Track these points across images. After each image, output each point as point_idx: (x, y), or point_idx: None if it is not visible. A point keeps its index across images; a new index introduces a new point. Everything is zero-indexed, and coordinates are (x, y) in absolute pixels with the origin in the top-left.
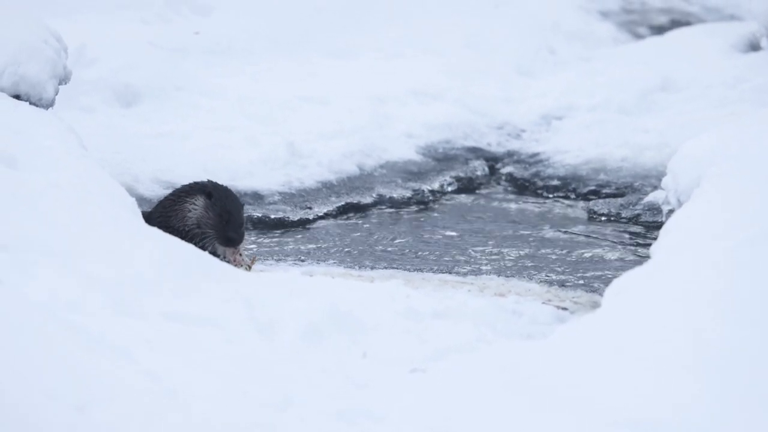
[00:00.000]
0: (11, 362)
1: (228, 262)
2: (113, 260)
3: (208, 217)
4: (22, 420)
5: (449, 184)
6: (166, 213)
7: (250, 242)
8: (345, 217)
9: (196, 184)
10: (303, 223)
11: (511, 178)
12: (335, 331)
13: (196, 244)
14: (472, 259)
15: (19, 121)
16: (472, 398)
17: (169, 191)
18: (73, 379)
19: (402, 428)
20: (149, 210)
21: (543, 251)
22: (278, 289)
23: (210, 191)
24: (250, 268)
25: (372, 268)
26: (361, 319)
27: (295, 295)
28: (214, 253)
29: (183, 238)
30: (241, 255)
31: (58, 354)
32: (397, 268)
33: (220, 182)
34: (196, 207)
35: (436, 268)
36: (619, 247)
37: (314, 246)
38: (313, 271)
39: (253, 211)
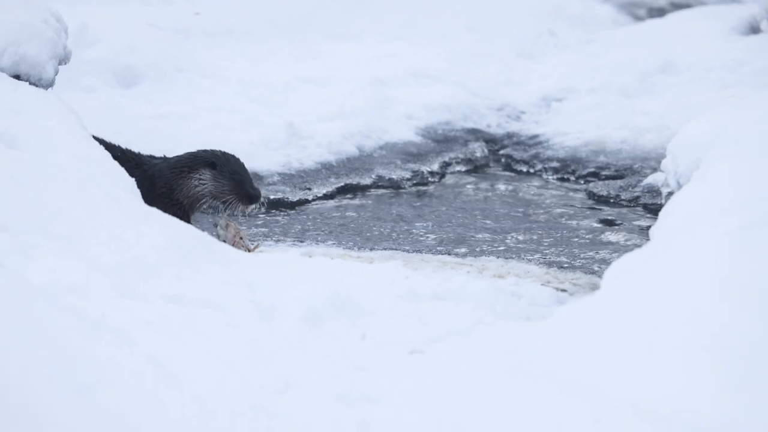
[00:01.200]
0: (11, 345)
1: (228, 243)
2: (114, 242)
3: (221, 185)
4: (22, 402)
5: (449, 166)
6: (170, 186)
7: (249, 222)
8: (344, 198)
9: (195, 156)
10: (302, 204)
11: (510, 160)
12: (335, 314)
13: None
14: (472, 241)
15: (19, 101)
16: (472, 380)
17: None
18: (73, 361)
19: (401, 411)
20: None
21: (542, 233)
22: (279, 272)
23: (212, 161)
24: (250, 251)
25: (371, 249)
26: (360, 302)
27: (296, 278)
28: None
29: (189, 210)
30: (242, 239)
31: (58, 337)
32: (396, 249)
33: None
34: (204, 180)
35: (435, 249)
36: (619, 229)
37: (313, 227)
38: (312, 251)
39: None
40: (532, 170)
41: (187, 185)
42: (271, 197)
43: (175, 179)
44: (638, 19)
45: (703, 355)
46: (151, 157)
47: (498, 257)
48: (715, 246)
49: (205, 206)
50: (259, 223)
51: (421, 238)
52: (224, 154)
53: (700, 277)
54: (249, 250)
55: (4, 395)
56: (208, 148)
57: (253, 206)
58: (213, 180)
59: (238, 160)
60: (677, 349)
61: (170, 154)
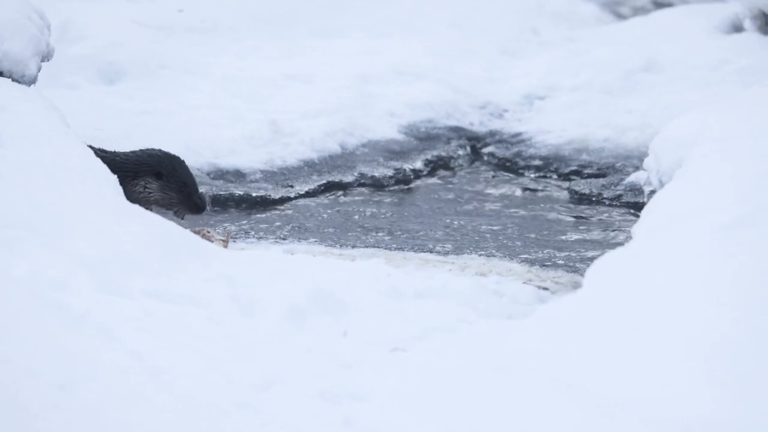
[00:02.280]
0: None
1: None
2: (97, 238)
3: (168, 197)
4: (4, 398)
5: (431, 164)
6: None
7: (232, 219)
8: (327, 195)
9: (140, 162)
10: (285, 201)
11: (493, 158)
12: (317, 311)
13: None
14: (454, 238)
15: (1, 98)
16: (455, 378)
17: None
18: (55, 357)
19: (385, 408)
20: None
21: (524, 231)
22: (261, 269)
23: (158, 170)
24: (226, 244)
25: (353, 246)
26: (343, 299)
27: (278, 275)
28: None
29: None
30: (209, 232)
31: (40, 332)
32: (379, 247)
33: (201, 160)
34: (151, 190)
35: (417, 247)
36: (601, 227)
37: (296, 224)
38: (294, 249)
39: (234, 189)
40: (514, 168)
41: (132, 190)
42: (254, 194)
43: (120, 180)
44: (621, 17)
45: (684, 352)
46: (102, 150)
47: (480, 255)
48: (697, 244)
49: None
50: (242, 220)
51: (403, 236)
52: (170, 159)
53: (681, 275)
54: (225, 243)
55: None
56: (154, 147)
57: (200, 229)
58: (160, 190)
59: (183, 165)
60: (659, 346)
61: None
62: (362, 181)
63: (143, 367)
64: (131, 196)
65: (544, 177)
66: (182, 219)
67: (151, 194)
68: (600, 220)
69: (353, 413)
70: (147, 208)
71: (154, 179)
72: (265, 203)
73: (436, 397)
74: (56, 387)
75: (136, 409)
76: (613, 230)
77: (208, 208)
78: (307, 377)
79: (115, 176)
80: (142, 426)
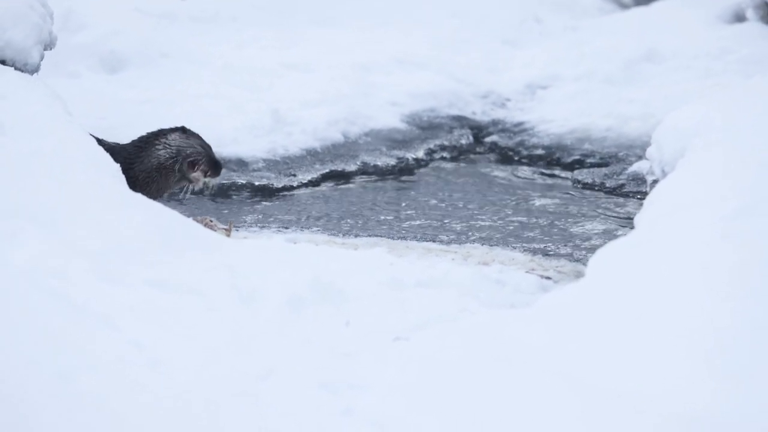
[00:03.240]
0: None
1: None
2: (98, 227)
3: (190, 144)
4: (4, 387)
5: (433, 153)
6: (129, 159)
7: (234, 208)
8: (329, 184)
9: (160, 129)
10: (287, 190)
11: (495, 147)
12: (318, 301)
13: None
14: (456, 228)
15: (4, 86)
16: (456, 368)
17: None
18: (56, 347)
19: (386, 398)
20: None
21: (527, 220)
22: (262, 258)
23: (182, 126)
24: (229, 233)
25: (356, 235)
26: (344, 289)
27: (279, 264)
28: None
29: (146, 180)
30: (212, 221)
31: (41, 322)
32: (381, 236)
33: None
34: (172, 142)
35: (419, 236)
36: (603, 216)
37: (298, 213)
38: (296, 238)
39: (237, 178)
40: (517, 158)
41: (150, 154)
42: (256, 183)
43: (137, 153)
44: (624, 6)
45: (684, 344)
46: (102, 141)
47: (482, 244)
48: (699, 235)
49: (164, 175)
50: (244, 209)
51: (406, 225)
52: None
53: (683, 265)
54: (228, 233)
55: None
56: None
57: (217, 178)
58: (181, 139)
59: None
60: (660, 337)
61: None
62: (365, 170)
63: (143, 356)
64: (148, 162)
65: (547, 166)
66: (205, 179)
67: (172, 146)
68: (602, 209)
69: (353, 402)
70: (164, 168)
71: (177, 133)
72: (267, 192)
73: (436, 386)
74: (56, 376)
75: (135, 399)
76: (616, 220)
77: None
78: (307, 367)
79: (118, 165)
80: (142, 415)
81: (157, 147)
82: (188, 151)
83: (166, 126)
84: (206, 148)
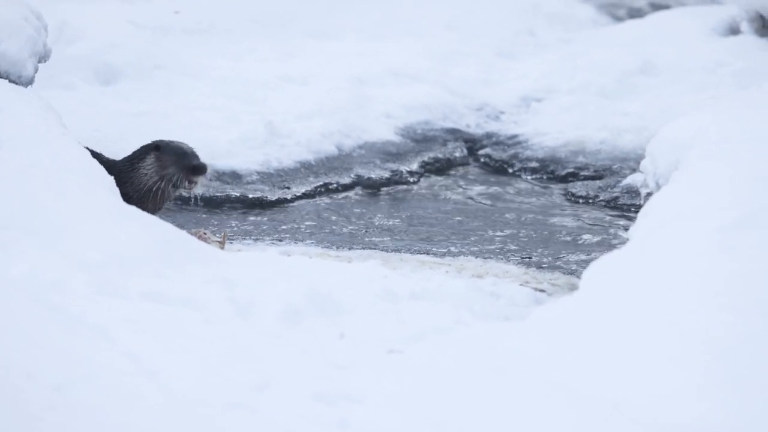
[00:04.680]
0: None
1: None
2: (94, 240)
3: (164, 164)
4: (1, 399)
5: (428, 166)
6: (121, 179)
7: (228, 220)
8: (323, 197)
9: (142, 147)
10: (281, 203)
11: (489, 160)
12: (314, 313)
13: (160, 198)
14: (450, 240)
15: None
16: (451, 380)
17: None
18: (52, 358)
19: (380, 410)
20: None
21: (521, 233)
22: (258, 271)
23: (156, 144)
24: (223, 245)
25: (350, 248)
26: (339, 301)
27: (275, 277)
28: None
29: (140, 200)
30: (206, 234)
31: (37, 333)
32: (375, 249)
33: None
34: (150, 165)
35: (413, 248)
36: (597, 229)
37: (292, 226)
38: (290, 251)
39: (231, 191)
40: (511, 170)
41: (137, 176)
42: (250, 196)
43: (127, 173)
44: (618, 19)
45: (680, 356)
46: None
47: (476, 257)
48: (693, 247)
49: (155, 195)
50: (238, 221)
51: (400, 238)
52: (168, 141)
53: (678, 278)
54: (222, 245)
55: None
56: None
57: (200, 177)
58: (156, 161)
59: (182, 142)
60: (655, 349)
61: None
62: (359, 182)
63: (140, 368)
64: (138, 184)
65: (541, 179)
66: (189, 189)
67: (150, 169)
68: (596, 222)
69: (348, 414)
70: (154, 190)
71: (152, 153)
72: (261, 204)
73: (431, 398)
74: (53, 388)
75: (132, 411)
76: (610, 232)
77: (208, 171)
78: (302, 378)
79: (112, 178)
80: (139, 427)
81: (140, 171)
82: (166, 174)
83: (161, 137)
84: (181, 157)
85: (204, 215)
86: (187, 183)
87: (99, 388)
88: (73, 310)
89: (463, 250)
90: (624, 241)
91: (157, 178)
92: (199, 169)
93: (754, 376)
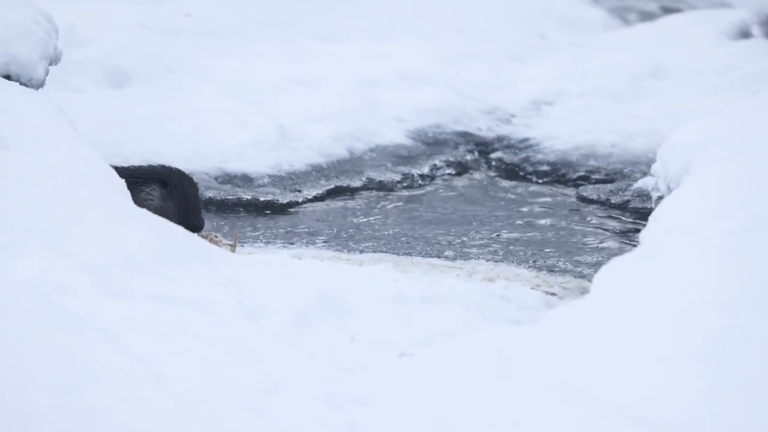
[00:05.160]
0: None
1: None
2: (102, 242)
3: (167, 206)
4: (6, 402)
5: (439, 169)
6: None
7: (239, 224)
8: (334, 200)
9: (150, 169)
10: (292, 206)
11: (500, 163)
12: (324, 316)
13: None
14: (461, 244)
15: (8, 101)
16: (460, 383)
17: None
18: (58, 361)
19: (389, 413)
20: None
21: (532, 236)
22: (267, 273)
23: (165, 179)
24: (234, 249)
25: (361, 251)
26: (349, 304)
27: (284, 279)
28: None
29: None
30: (217, 237)
31: (43, 336)
32: (386, 252)
33: (208, 164)
34: (153, 197)
35: (424, 252)
36: (608, 233)
37: (303, 229)
38: (301, 254)
39: (242, 194)
40: (522, 174)
41: (137, 197)
42: (261, 199)
43: (128, 187)
44: (628, 23)
45: (690, 360)
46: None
47: (488, 261)
48: (703, 251)
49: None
50: (249, 224)
51: (411, 241)
52: (180, 174)
53: (688, 282)
54: (233, 248)
55: None
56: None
57: (207, 235)
58: (161, 200)
59: (191, 183)
60: (665, 353)
61: (159, 156)
62: (370, 185)
63: (147, 370)
64: (137, 203)
65: (552, 182)
66: None
67: (153, 201)
68: (607, 225)
69: (358, 418)
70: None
71: (159, 187)
72: (272, 208)
73: (440, 402)
74: (59, 390)
75: (139, 413)
76: (621, 236)
77: (202, 230)
78: (311, 381)
79: (123, 180)
80: (145, 430)
81: (143, 196)
82: (166, 209)
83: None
84: (184, 209)
85: (215, 218)
86: None
87: (105, 390)
88: (79, 312)
89: (474, 253)
90: (635, 245)
91: (156, 207)
92: (196, 229)
93: (763, 380)
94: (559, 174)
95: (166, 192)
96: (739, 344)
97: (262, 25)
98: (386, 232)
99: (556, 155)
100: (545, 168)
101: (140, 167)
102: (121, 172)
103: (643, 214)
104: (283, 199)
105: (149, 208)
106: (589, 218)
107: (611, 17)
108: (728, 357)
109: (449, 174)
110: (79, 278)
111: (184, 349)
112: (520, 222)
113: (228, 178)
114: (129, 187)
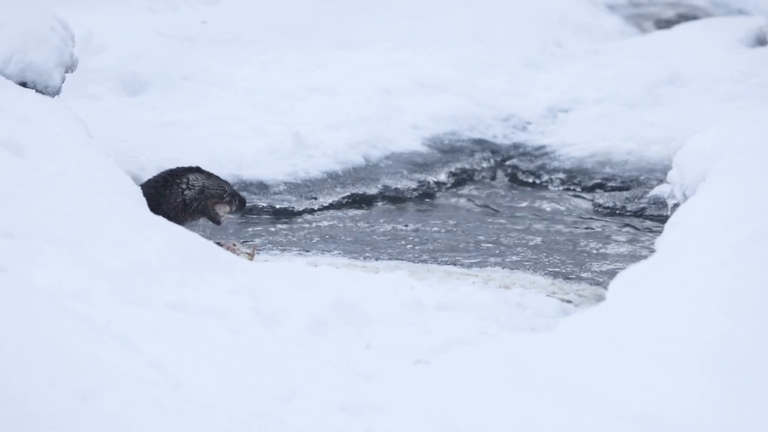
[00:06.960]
0: (15, 350)
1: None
2: (119, 249)
3: (216, 182)
4: (25, 408)
5: (454, 176)
6: (158, 193)
7: (255, 231)
8: (350, 207)
9: (176, 167)
10: (308, 214)
11: (516, 171)
12: (340, 323)
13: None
14: (477, 251)
15: (25, 108)
16: (476, 390)
17: None
18: (76, 367)
19: (405, 420)
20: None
21: (548, 244)
22: (283, 281)
23: (197, 166)
24: (252, 257)
25: (377, 258)
26: (365, 311)
27: (300, 287)
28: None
29: (176, 214)
30: (235, 245)
31: (62, 342)
32: (402, 259)
33: (224, 171)
34: (196, 180)
35: (440, 259)
36: (624, 240)
37: (319, 236)
38: (318, 261)
39: (258, 201)
40: (538, 181)
41: (175, 192)
42: (277, 206)
43: (161, 189)
44: (645, 30)
45: (705, 367)
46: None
47: (503, 268)
48: (718, 258)
49: (192, 211)
50: (265, 232)
51: (427, 249)
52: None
53: (702, 289)
54: (251, 256)
55: (8, 400)
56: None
57: (240, 211)
58: (206, 178)
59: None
60: (680, 360)
61: (175, 163)
62: (386, 193)
63: (164, 377)
64: (171, 197)
65: (568, 190)
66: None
67: (197, 184)
68: (623, 233)
69: (373, 424)
70: (194, 205)
71: (196, 172)
72: (288, 215)
73: (456, 409)
74: (77, 397)
75: (156, 420)
76: (637, 243)
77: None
78: (327, 388)
79: (139, 188)
80: None
81: (180, 186)
82: (213, 191)
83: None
84: (227, 184)
85: (231, 226)
86: (223, 210)
87: (123, 398)
88: (97, 319)
89: (490, 260)
90: (651, 252)
91: (198, 193)
92: (244, 201)
93: None
94: (575, 181)
95: (206, 174)
96: (754, 350)
97: (279, 33)
98: (402, 240)
99: (571, 163)
100: (561, 175)
101: (172, 169)
102: (150, 180)
103: (659, 222)
104: (299, 207)
105: (193, 194)
106: (604, 226)
107: (627, 25)
108: (743, 366)
109: (464, 181)
110: (98, 285)
111: (201, 357)
112: (536, 229)
113: (244, 185)
114: (165, 187)
